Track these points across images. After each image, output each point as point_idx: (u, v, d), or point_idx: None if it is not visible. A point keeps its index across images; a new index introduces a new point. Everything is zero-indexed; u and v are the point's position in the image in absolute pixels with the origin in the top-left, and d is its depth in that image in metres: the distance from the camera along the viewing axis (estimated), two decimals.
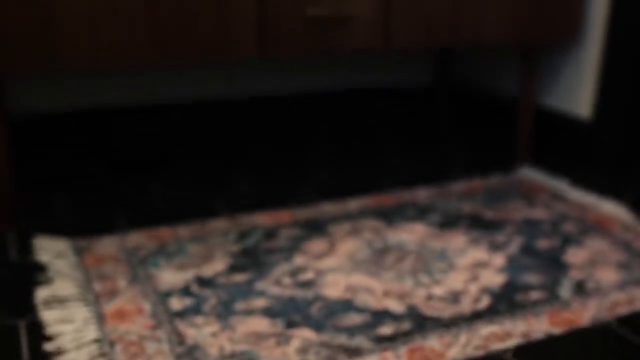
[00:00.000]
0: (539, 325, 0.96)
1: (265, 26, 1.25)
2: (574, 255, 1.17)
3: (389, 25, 1.35)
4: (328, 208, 1.33)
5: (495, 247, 1.19)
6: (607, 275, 1.10)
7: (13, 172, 1.49)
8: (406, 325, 0.95)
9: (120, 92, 1.60)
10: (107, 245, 1.16)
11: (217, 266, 1.10)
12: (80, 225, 1.25)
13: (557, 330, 0.96)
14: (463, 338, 0.93)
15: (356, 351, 0.90)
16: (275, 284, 1.05)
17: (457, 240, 1.21)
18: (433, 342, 0.92)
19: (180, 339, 0.91)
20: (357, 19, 1.32)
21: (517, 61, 1.79)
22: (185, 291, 1.02)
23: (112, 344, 0.90)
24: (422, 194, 1.42)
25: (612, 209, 1.35)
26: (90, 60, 1.15)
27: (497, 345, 0.92)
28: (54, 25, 1.11)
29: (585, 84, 1.61)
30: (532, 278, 1.09)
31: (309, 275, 1.07)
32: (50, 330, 0.93)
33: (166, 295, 1.01)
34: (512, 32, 1.48)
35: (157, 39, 1.18)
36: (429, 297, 1.02)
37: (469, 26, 1.43)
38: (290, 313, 0.97)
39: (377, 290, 1.04)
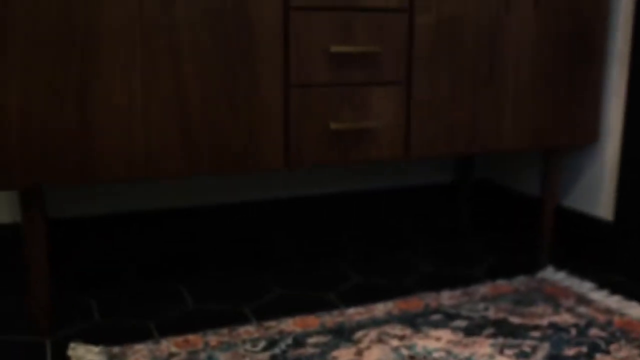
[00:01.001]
0: None
1: (291, 141, 1.32)
2: None
3: (409, 137, 1.41)
4: (354, 313, 1.36)
5: (522, 356, 1.19)
6: None
7: (50, 279, 1.54)
8: None
9: (148, 197, 1.67)
10: (140, 353, 1.19)
11: None
12: (114, 332, 1.28)
13: None
14: None
15: None
16: None
17: (483, 348, 1.22)
18: None
19: None
20: (378, 132, 1.39)
21: (538, 160, 1.84)
22: None
23: None
24: (447, 298, 1.43)
25: (638, 313, 1.35)
26: (124, 173, 1.22)
27: None
28: (89, 139, 1.18)
29: (606, 185, 1.64)
30: None
31: None
32: None
33: None
34: (531, 139, 1.54)
35: (190, 153, 1.26)
36: None
37: (488, 135, 1.49)
38: None
39: None
